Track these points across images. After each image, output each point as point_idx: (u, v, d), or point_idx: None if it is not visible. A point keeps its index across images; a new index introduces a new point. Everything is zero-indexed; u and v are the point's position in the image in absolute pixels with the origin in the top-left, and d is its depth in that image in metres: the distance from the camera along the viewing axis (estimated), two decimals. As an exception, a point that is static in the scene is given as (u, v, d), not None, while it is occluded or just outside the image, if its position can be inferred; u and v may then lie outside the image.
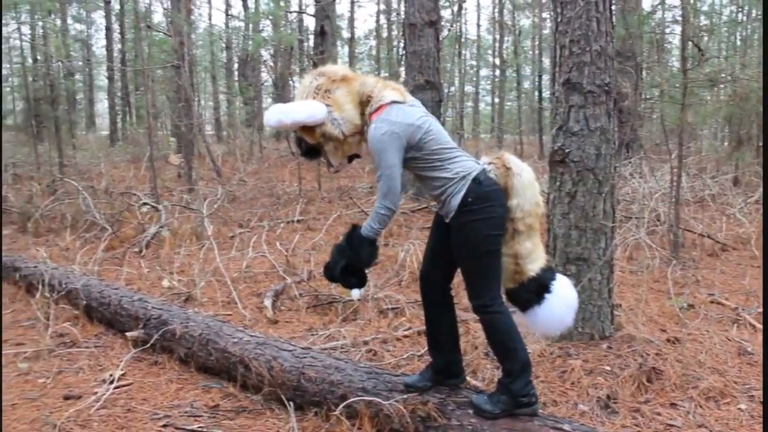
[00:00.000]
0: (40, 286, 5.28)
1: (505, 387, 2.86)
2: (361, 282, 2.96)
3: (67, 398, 3.68)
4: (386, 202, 2.79)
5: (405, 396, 3.05)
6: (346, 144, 2.91)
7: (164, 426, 3.30)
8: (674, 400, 3.42)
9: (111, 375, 3.86)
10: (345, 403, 3.16)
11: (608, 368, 3.72)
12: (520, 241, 2.88)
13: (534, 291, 2.92)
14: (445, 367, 3.11)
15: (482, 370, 3.75)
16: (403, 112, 2.82)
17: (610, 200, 4.00)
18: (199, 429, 3.25)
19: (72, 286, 5.16)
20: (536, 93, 23.63)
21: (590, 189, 3.95)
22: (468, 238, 2.82)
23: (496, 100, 22.31)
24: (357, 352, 4.11)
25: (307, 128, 2.86)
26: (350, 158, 3.03)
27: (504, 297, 2.97)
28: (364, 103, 2.89)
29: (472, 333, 4.29)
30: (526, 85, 27.42)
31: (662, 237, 6.94)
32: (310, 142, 2.92)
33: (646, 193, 8.20)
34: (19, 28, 17.91)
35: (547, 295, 2.92)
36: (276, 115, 2.83)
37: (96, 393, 3.67)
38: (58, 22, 24.20)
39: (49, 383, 3.92)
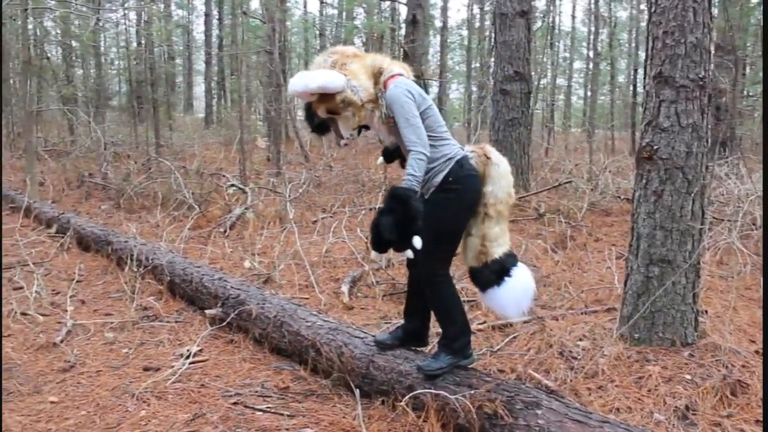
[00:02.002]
0: (129, 261, 5.51)
1: (447, 347, 3.20)
2: (417, 231, 2.96)
3: (146, 369, 3.83)
4: (419, 148, 2.98)
5: (472, 391, 3.00)
6: (363, 110, 3.08)
7: (234, 404, 3.37)
8: (760, 417, 3.23)
9: (188, 350, 3.98)
10: (411, 394, 3.14)
11: (689, 377, 3.56)
12: (490, 225, 3.15)
13: (495, 272, 3.17)
14: (414, 331, 3.47)
15: (555, 369, 3.65)
16: (412, 82, 3.14)
17: (699, 201, 3.81)
18: (267, 409, 3.30)
19: (158, 261, 5.35)
20: (631, 87, 22.85)
21: (678, 188, 3.77)
22: (441, 214, 3.07)
23: (589, 93, 21.66)
24: (429, 344, 4.08)
25: (327, 97, 3.03)
26: (359, 130, 3.23)
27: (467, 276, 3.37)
28: (376, 75, 3.12)
29: (547, 331, 4.19)
30: (621, 79, 26.56)
31: (757, 242, 6.58)
32: (321, 116, 3.12)
33: (741, 194, 7.79)
34: (125, 14, 18.68)
35: (506, 278, 3.18)
36: (302, 80, 3.00)
37: (173, 366, 3.80)
38: (162, 7, 25.09)
39: (131, 354, 4.08)
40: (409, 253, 2.98)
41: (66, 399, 3.47)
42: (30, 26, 16.73)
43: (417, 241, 2.94)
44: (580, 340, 4.05)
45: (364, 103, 3.08)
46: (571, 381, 3.51)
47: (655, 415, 3.23)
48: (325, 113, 3.10)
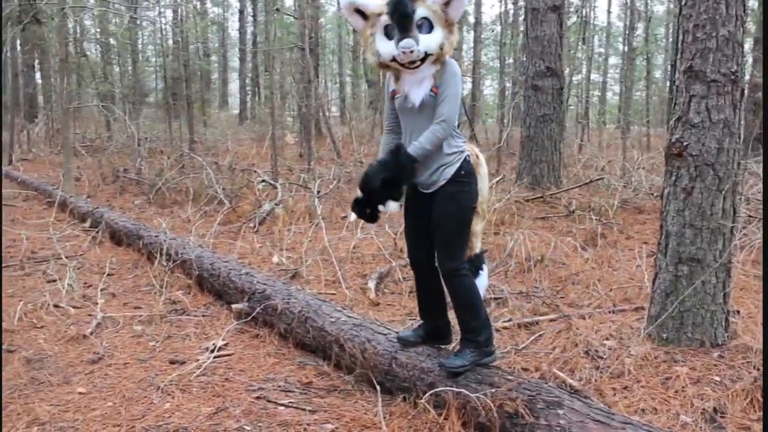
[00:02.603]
0: (159, 255, 5.59)
1: (472, 342, 3.19)
2: (397, 197, 3.14)
3: (172, 362, 3.87)
4: (444, 126, 3.01)
5: (494, 390, 2.98)
6: (445, 53, 2.99)
7: (257, 398, 3.39)
8: (791, 419, 3.16)
9: (214, 344, 4.02)
10: (433, 391, 3.13)
11: (718, 379, 3.49)
12: (477, 221, 3.27)
13: (475, 266, 3.32)
14: (435, 330, 3.46)
15: (580, 369, 3.60)
16: None
17: (731, 198, 3.72)
18: (290, 404, 3.32)
19: (187, 256, 5.42)
20: (667, 83, 22.46)
21: (709, 185, 3.69)
22: (456, 206, 3.11)
23: (624, 89, 21.36)
24: (453, 341, 4.06)
25: (447, 15, 2.96)
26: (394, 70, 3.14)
27: None
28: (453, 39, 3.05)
29: (573, 330, 4.14)
30: (657, 74, 26.13)
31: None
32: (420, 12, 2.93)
33: (762, 199, 7.61)
34: (161, 12, 18.93)
35: (480, 271, 3.37)
36: None
37: (198, 360, 3.83)
38: (198, 5, 25.38)
39: (158, 347, 4.13)
40: (392, 207, 3.11)
41: (93, 390, 3.52)
42: (70, 25, 17.07)
43: (392, 206, 3.10)
44: (607, 339, 4.00)
45: (447, 50, 3.02)
46: (596, 381, 3.47)
47: (681, 417, 3.17)
48: (422, 18, 2.93)
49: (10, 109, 16.27)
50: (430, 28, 2.92)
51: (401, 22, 2.89)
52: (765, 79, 3.62)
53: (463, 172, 3.11)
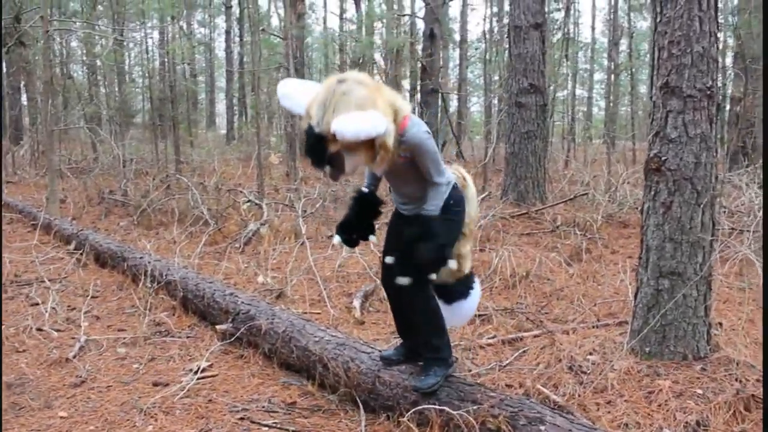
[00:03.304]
0: (143, 277, 5.56)
1: (437, 359, 3.21)
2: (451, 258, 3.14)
3: (155, 384, 3.85)
4: (443, 180, 3.03)
5: (476, 407, 2.99)
6: (389, 154, 2.83)
7: (241, 419, 3.38)
8: (773, 432, 3.17)
9: (198, 365, 4.00)
10: (415, 409, 3.13)
11: (700, 392, 3.50)
12: (465, 243, 3.31)
13: (466, 286, 3.38)
14: (416, 347, 3.40)
15: (564, 384, 3.61)
16: (420, 122, 3.00)
17: (709, 212, 3.76)
18: (274, 424, 3.31)
19: (171, 277, 5.40)
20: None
21: (687, 199, 3.73)
22: (444, 234, 3.06)
23: (609, 104, 21.56)
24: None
25: (368, 141, 2.72)
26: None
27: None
28: (394, 114, 2.85)
29: (557, 345, 4.15)
30: (642, 89, 26.38)
31: (777, 253, 6.47)
32: (333, 149, 2.72)
33: (762, 204, 7.67)
34: (146, 34, 18.96)
35: (471, 291, 3.41)
36: (359, 125, 2.60)
37: (182, 382, 3.81)
38: (184, 26, 25.45)
39: (141, 369, 4.11)
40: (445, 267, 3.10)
41: (75, 414, 3.50)
42: (56, 47, 17.08)
43: (452, 263, 3.12)
44: (590, 354, 4.01)
45: (391, 146, 2.84)
46: (579, 396, 3.48)
47: (664, 431, 3.18)
48: (343, 148, 2.72)
49: (-5, 132, 16.20)
50: (352, 153, 2.76)
51: (325, 165, 2.80)
52: (765, 79, 3.68)
53: (452, 202, 3.11)
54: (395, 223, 3.34)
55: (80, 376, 3.98)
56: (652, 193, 3.85)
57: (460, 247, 3.27)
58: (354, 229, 3.26)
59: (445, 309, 3.33)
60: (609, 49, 24.56)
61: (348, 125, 2.58)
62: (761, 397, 3.39)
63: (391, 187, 3.26)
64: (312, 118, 2.69)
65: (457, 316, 3.45)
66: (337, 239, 3.27)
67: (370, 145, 2.73)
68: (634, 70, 22.66)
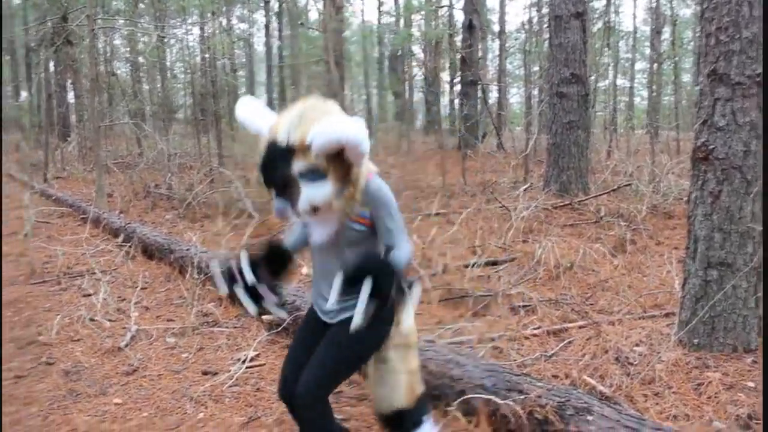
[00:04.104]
0: (190, 268, 5.68)
1: None
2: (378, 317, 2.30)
3: (205, 373, 3.94)
4: (409, 247, 2.39)
5: (523, 396, 2.99)
6: (355, 197, 2.30)
7: (289, 407, 3.44)
8: (826, 423, 3.12)
9: (245, 355, 4.08)
10: (462, 398, 3.14)
11: (752, 384, 3.45)
12: (414, 356, 2.66)
13: (420, 413, 2.63)
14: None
15: (610, 375, 3.59)
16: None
17: (759, 201, 3.69)
18: (321, 412, 3.35)
19: (218, 269, 5.48)
20: (696, 87, 22.20)
21: (736, 189, 3.66)
22: (369, 335, 2.34)
23: (653, 94, 21.19)
24: (482, 349, 4.08)
25: (340, 163, 2.21)
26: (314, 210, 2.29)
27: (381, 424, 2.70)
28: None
29: (603, 336, 4.13)
30: (686, 78, 25.88)
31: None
32: (294, 172, 2.19)
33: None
34: (188, 30, 19.23)
35: (423, 420, 2.65)
36: (343, 127, 2.13)
37: (230, 371, 3.89)
38: (224, 21, 25.73)
39: (190, 358, 4.21)
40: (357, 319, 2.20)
41: (129, 401, 3.60)
42: (100, 45, 17.44)
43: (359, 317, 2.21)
44: (637, 345, 3.98)
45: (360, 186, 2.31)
46: (626, 387, 3.45)
47: (714, 424, 3.14)
48: (309, 165, 2.17)
49: (44, 129, 16.64)
50: (320, 177, 2.17)
51: (268, 184, 2.24)
52: (765, 79, 3.58)
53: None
54: (309, 331, 2.61)
55: (132, 365, 4.09)
56: (700, 182, 3.80)
57: (410, 362, 2.61)
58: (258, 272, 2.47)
59: None
60: (651, 37, 24.13)
61: (329, 127, 2.13)
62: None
63: (318, 269, 2.49)
64: (278, 133, 2.20)
65: None
66: (223, 288, 2.50)
67: (343, 170, 2.22)
68: (677, 58, 22.23)
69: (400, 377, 2.59)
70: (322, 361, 2.42)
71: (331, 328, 2.48)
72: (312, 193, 2.19)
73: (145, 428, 3.29)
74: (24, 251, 7.28)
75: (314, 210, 2.22)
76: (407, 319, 2.62)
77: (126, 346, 4.41)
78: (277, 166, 2.20)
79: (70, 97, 22.85)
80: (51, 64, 20.00)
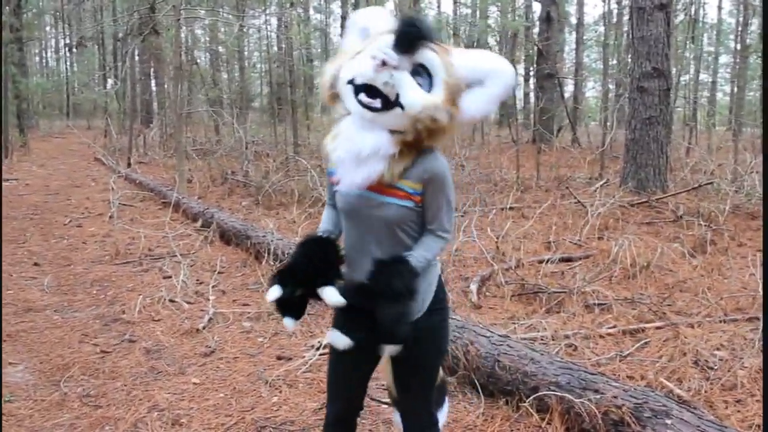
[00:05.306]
0: (266, 254, 5.81)
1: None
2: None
3: (279, 358, 4.04)
4: (449, 237, 2.04)
5: (598, 396, 2.95)
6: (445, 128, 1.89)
7: (361, 394, 3.49)
8: None
9: (319, 342, 4.15)
10: (536, 395, 3.13)
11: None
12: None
13: (441, 393, 2.45)
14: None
15: (689, 379, 3.51)
16: None
17: None
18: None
19: (293, 256, 5.59)
20: (787, 82, 21.19)
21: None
22: (438, 344, 2.15)
23: (735, 89, 20.36)
24: (556, 346, 4.03)
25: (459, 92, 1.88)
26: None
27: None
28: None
29: (681, 338, 4.02)
30: (774, 73, 24.72)
31: None
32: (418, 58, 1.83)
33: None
34: (266, 20, 19.56)
35: (444, 400, 2.52)
36: (508, 69, 1.88)
37: (304, 356, 3.98)
38: (301, 12, 26.06)
39: (266, 343, 4.31)
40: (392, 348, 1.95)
41: (206, 381, 3.72)
42: (182, 34, 17.94)
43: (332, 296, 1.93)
44: (718, 349, 3.87)
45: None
46: (705, 392, 3.37)
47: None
48: (432, 64, 1.85)
49: (129, 115, 17.26)
50: (429, 85, 1.85)
51: (399, 39, 1.80)
52: (765, 79, 3.39)
53: (441, 296, 2.12)
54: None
55: (209, 347, 4.22)
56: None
57: None
58: (303, 280, 1.99)
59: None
60: (737, 29, 23.19)
61: (490, 55, 1.91)
62: None
63: (352, 245, 2.06)
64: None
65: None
66: (273, 295, 2.03)
67: (455, 100, 1.87)
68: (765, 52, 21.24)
69: None
70: (421, 388, 2.19)
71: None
72: (413, 90, 1.82)
73: (221, 408, 3.39)
74: (109, 232, 7.60)
75: (393, 100, 1.81)
76: None
77: (204, 328, 4.55)
78: (420, 34, 1.81)
79: (153, 84, 23.63)
80: (135, 53, 20.69)
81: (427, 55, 1.83)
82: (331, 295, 1.91)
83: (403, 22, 1.85)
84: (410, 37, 1.81)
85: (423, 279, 2.00)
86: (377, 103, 1.82)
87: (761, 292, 4.85)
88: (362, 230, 2.00)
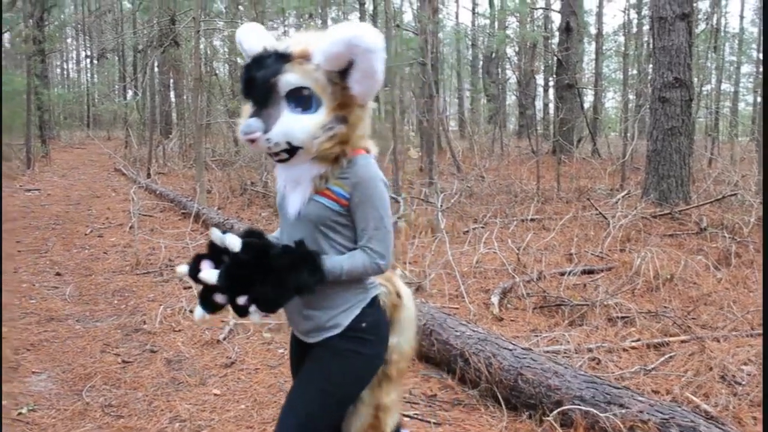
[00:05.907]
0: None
1: None
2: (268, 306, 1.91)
3: (300, 370, 4.02)
4: (382, 262, 1.93)
5: (623, 410, 2.91)
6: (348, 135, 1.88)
7: (383, 407, 3.47)
8: None
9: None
10: (560, 409, 3.09)
11: None
12: (388, 390, 2.19)
13: None
14: None
15: (716, 394, 3.45)
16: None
17: None
18: (415, 415, 3.37)
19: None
20: (811, 92, 20.99)
21: None
22: (338, 371, 1.98)
23: (758, 99, 20.17)
24: (579, 359, 3.99)
25: (341, 91, 1.84)
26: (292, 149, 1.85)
27: None
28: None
29: (707, 353, 3.96)
30: (798, 83, 24.49)
31: None
32: (283, 90, 1.81)
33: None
34: (285, 32, 19.68)
35: None
36: (353, 31, 1.75)
37: (325, 368, 3.95)
38: (319, 23, 26.20)
39: (286, 354, 4.28)
40: (255, 317, 1.90)
41: (227, 392, 3.72)
42: (202, 46, 18.09)
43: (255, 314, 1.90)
44: (745, 364, 3.80)
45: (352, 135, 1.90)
46: (734, 408, 3.31)
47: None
48: (297, 89, 1.81)
49: (148, 126, 17.40)
50: (310, 106, 1.82)
51: (246, 92, 1.85)
52: (765, 79, 3.33)
53: (364, 324, 1.99)
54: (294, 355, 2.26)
55: (230, 358, 4.22)
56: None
57: (381, 396, 2.17)
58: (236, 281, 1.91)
59: None
60: (760, 39, 23.00)
61: (341, 29, 1.76)
62: None
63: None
64: (270, 48, 1.86)
65: None
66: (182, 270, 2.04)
67: (342, 102, 1.84)
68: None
69: (362, 410, 2.17)
70: (292, 403, 2.00)
71: (310, 352, 2.04)
72: (294, 122, 1.80)
73: (242, 420, 3.38)
74: (130, 242, 7.64)
75: (288, 148, 1.82)
76: (399, 341, 2.18)
77: (224, 339, 4.55)
78: (266, 67, 1.80)
79: (172, 95, 23.83)
80: (155, 65, 20.89)
81: (287, 79, 1.81)
82: (209, 274, 1.92)
83: (245, 67, 1.86)
84: (255, 84, 1.81)
85: (338, 297, 1.96)
86: (283, 155, 1.85)
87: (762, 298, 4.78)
88: (290, 229, 1.99)
